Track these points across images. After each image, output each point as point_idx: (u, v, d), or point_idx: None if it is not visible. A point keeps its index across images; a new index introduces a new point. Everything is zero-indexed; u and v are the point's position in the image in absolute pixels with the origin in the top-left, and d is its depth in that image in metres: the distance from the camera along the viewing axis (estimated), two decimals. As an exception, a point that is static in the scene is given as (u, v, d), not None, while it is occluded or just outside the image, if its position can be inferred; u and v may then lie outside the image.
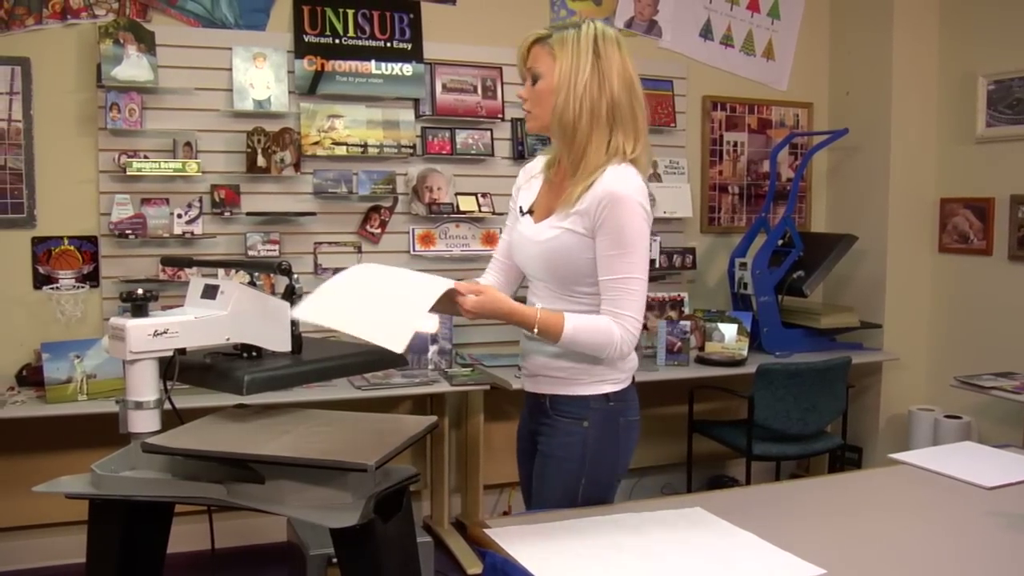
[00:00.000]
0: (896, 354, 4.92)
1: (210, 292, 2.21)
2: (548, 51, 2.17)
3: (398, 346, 1.82)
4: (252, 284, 2.34)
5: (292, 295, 2.29)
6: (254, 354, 2.26)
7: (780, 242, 4.82)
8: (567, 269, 2.19)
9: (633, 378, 2.35)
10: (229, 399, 2.27)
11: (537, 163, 2.41)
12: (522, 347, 2.37)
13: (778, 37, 5.26)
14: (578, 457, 2.24)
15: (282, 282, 2.34)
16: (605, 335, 2.11)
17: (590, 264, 2.16)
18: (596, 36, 2.15)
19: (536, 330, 2.09)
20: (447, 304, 2.05)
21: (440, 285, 1.97)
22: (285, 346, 2.29)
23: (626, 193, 2.10)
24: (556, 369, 2.26)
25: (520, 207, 2.35)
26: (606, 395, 2.25)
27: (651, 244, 2.18)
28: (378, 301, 1.96)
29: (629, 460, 2.34)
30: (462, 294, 2.04)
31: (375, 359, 2.45)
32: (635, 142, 2.18)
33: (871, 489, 2.36)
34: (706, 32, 5.09)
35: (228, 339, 2.20)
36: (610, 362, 2.22)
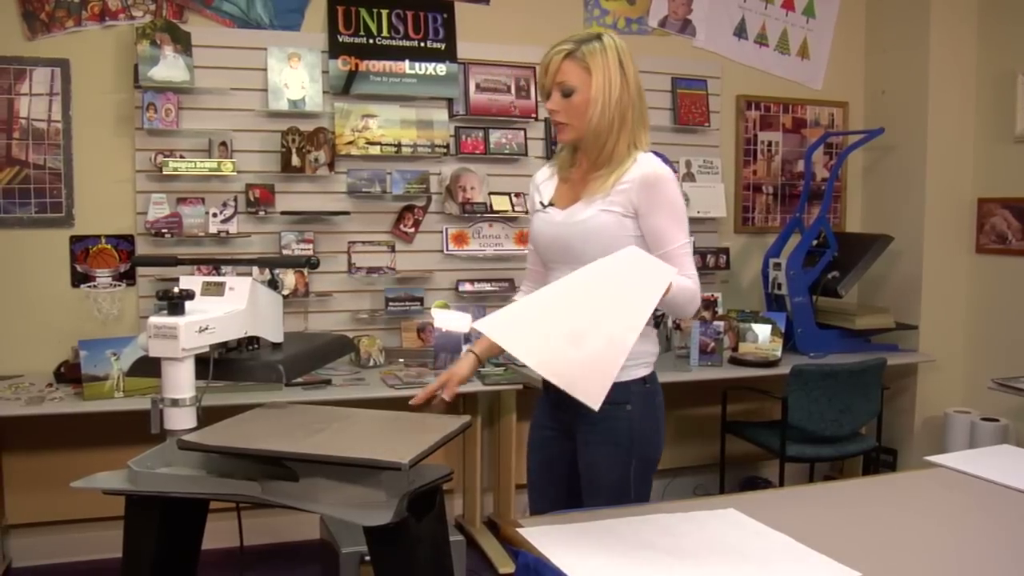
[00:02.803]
0: (932, 356, 4.87)
1: (214, 289, 2.27)
2: (581, 65, 2.31)
3: (595, 403, 1.80)
4: (273, 281, 2.47)
5: (274, 287, 2.43)
6: (255, 347, 2.34)
7: (815, 242, 4.78)
8: (600, 247, 2.24)
9: None
10: (255, 397, 2.30)
11: (546, 169, 2.57)
12: None
13: (813, 36, 5.23)
14: (626, 440, 2.36)
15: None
16: (693, 291, 2.25)
17: (624, 242, 2.24)
18: (618, 49, 2.32)
19: None
20: None
21: (660, 267, 2.00)
22: (280, 337, 2.43)
23: (665, 174, 2.30)
24: None
25: (540, 202, 2.48)
26: (643, 378, 2.39)
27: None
28: (579, 331, 1.87)
29: (664, 438, 2.47)
30: None
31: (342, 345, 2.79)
32: (646, 135, 2.38)
33: (907, 492, 2.33)
34: (740, 31, 5.06)
35: (246, 332, 2.27)
36: (644, 345, 2.36)
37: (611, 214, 2.29)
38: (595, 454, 2.39)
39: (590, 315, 1.88)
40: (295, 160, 4.17)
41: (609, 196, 2.30)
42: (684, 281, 2.22)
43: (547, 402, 2.55)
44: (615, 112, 2.29)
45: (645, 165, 2.30)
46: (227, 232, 4.12)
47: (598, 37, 2.32)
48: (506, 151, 4.53)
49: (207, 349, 2.15)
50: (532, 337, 1.89)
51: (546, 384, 2.51)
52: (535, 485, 2.58)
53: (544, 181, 2.52)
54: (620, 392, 2.31)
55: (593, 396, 1.80)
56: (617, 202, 2.29)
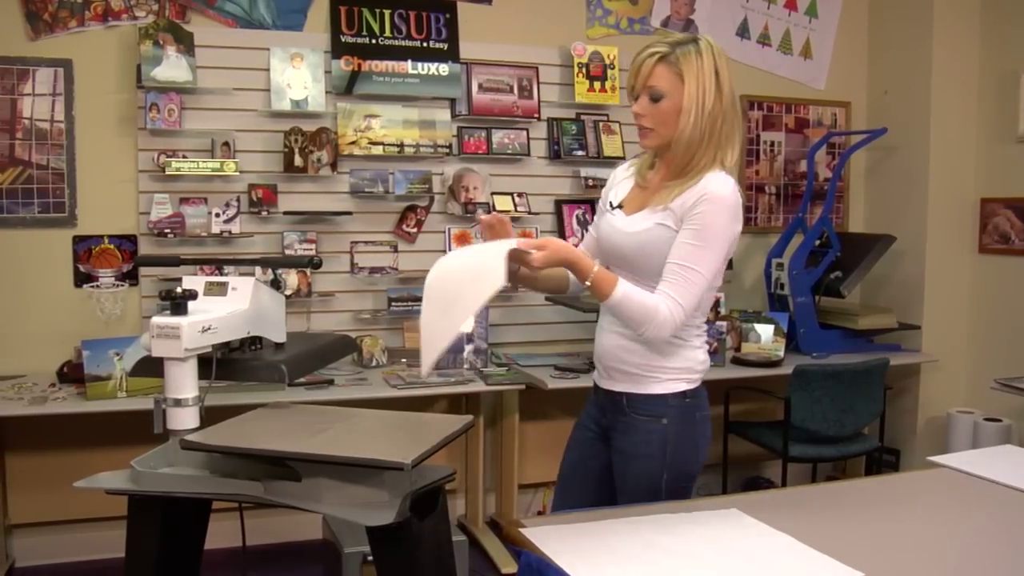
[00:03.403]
0: (935, 356, 4.86)
1: (217, 289, 2.27)
2: (674, 71, 2.20)
3: (422, 371, 2.01)
4: (275, 281, 2.47)
5: (277, 287, 2.42)
6: (258, 347, 2.35)
7: (817, 242, 4.77)
8: (651, 261, 2.22)
9: None
10: (258, 397, 2.30)
11: (625, 168, 2.48)
12: (599, 342, 2.42)
13: (816, 36, 5.22)
14: (659, 454, 2.30)
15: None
16: (650, 312, 2.14)
17: None
18: (715, 55, 2.20)
19: (589, 283, 2.11)
20: (512, 264, 2.06)
21: (496, 270, 1.95)
22: (282, 337, 2.43)
23: (723, 196, 2.17)
24: (632, 365, 2.31)
25: (610, 202, 2.41)
26: (683, 392, 2.31)
27: (730, 251, 2.27)
28: (447, 296, 1.99)
29: (707, 453, 2.39)
30: (527, 252, 2.05)
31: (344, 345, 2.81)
32: (733, 153, 2.26)
33: (910, 492, 2.33)
34: (743, 31, 5.06)
35: (248, 332, 2.27)
36: (686, 360, 2.30)
37: (666, 229, 2.21)
38: (627, 463, 2.36)
39: (454, 293, 1.98)
40: (298, 160, 4.17)
41: (668, 209, 2.21)
42: (644, 296, 2.15)
43: (593, 403, 2.51)
44: (706, 123, 2.19)
45: (710, 183, 2.18)
46: (230, 232, 4.12)
47: (694, 40, 2.22)
48: (509, 151, 4.52)
49: (210, 349, 2.15)
50: (437, 296, 2.01)
51: (595, 385, 2.49)
52: (563, 483, 2.55)
53: (622, 180, 2.44)
54: (657, 405, 2.30)
55: (424, 364, 1.98)
56: (672, 217, 2.20)
